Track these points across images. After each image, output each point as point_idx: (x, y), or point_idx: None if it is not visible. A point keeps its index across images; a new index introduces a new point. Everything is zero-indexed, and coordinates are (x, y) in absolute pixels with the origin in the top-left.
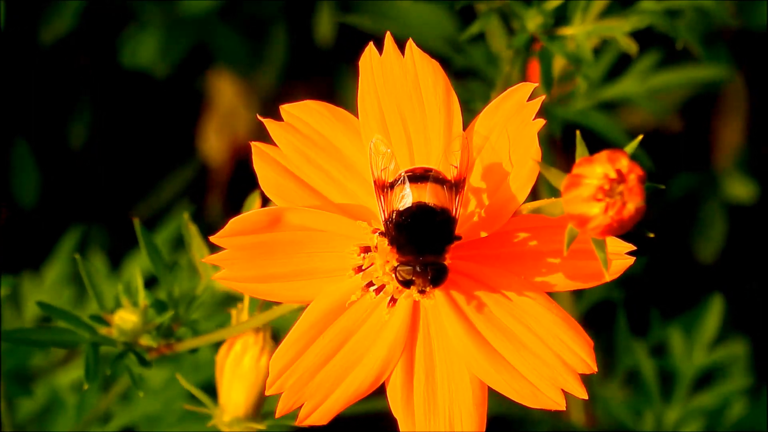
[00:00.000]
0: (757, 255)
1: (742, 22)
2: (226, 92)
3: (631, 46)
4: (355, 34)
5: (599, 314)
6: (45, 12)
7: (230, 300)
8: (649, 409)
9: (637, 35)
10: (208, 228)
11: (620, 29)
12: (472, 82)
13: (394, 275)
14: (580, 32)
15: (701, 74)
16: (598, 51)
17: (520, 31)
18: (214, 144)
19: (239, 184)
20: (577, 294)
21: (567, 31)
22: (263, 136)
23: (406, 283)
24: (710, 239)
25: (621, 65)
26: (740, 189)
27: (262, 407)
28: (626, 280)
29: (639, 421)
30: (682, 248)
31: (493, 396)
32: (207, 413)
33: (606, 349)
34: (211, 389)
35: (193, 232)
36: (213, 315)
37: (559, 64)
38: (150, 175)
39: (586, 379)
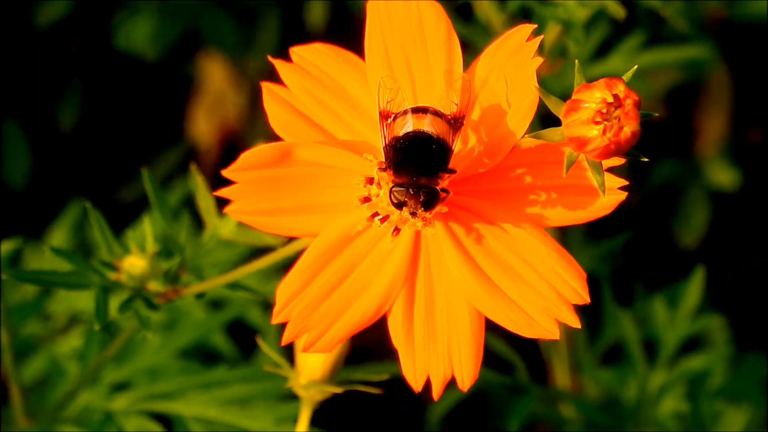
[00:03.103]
0: (739, 242)
1: (729, 13)
2: (216, 76)
3: (619, 12)
4: (347, 19)
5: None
6: None
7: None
8: (633, 377)
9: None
10: (194, 209)
11: None
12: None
13: (388, 197)
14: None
15: (687, 54)
16: (587, 28)
17: None
18: (203, 127)
19: (228, 166)
20: None
21: None
22: (253, 120)
23: (399, 205)
24: (692, 226)
25: (608, 46)
26: (723, 176)
27: (338, 372)
28: (608, 258)
29: (623, 388)
30: (665, 235)
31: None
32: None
33: (591, 323)
34: (203, 348)
35: (199, 182)
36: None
37: (549, 38)
38: (139, 158)
39: (573, 345)
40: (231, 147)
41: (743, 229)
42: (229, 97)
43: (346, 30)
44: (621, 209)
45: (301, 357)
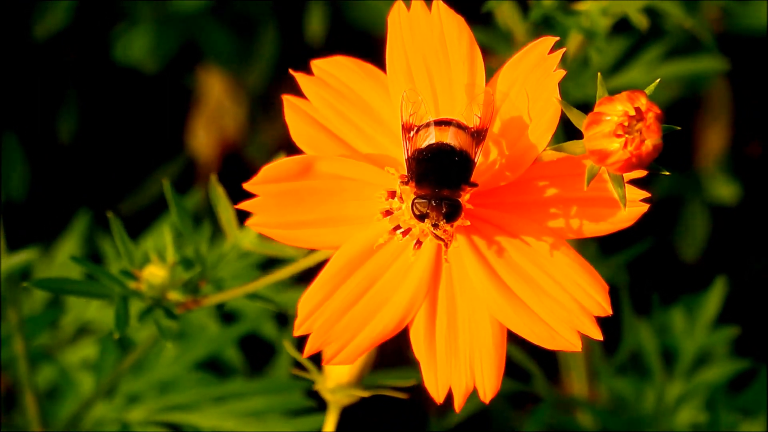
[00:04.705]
0: (739, 255)
1: (726, 26)
2: (215, 88)
3: (642, 21)
4: (346, 32)
5: None
6: (38, 8)
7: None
8: (650, 386)
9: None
10: (195, 220)
11: (633, 6)
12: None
13: (410, 209)
14: (594, 8)
15: (705, 65)
16: (608, 39)
17: (536, 6)
18: (202, 139)
19: (227, 178)
20: None
21: (582, 6)
22: (252, 133)
23: (421, 217)
24: (693, 239)
25: (628, 57)
26: (723, 190)
27: (365, 376)
28: (623, 269)
29: (641, 398)
30: (666, 247)
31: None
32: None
33: (607, 332)
34: (216, 362)
35: (219, 192)
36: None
37: (572, 47)
38: (138, 170)
39: (591, 354)
40: (230, 159)
41: (743, 241)
42: (228, 110)
43: (345, 42)
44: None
45: None
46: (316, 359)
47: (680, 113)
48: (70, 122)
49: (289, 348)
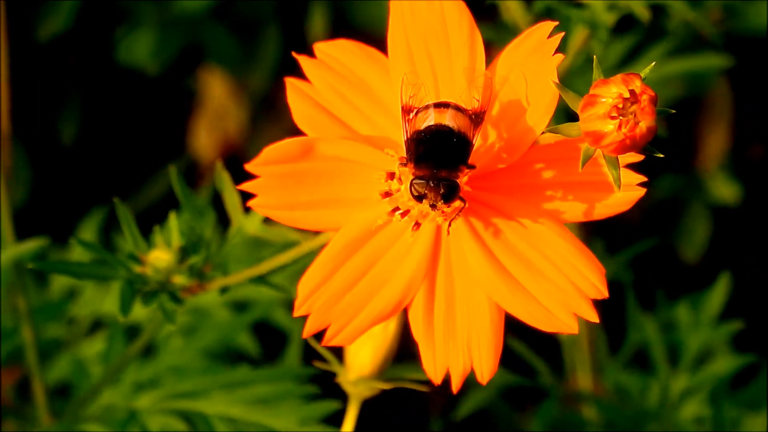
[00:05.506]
0: (740, 256)
1: (727, 26)
2: (217, 91)
3: (644, 14)
4: (348, 34)
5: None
6: (42, 9)
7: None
8: (655, 381)
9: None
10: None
11: (637, 2)
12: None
13: (409, 190)
14: (597, 1)
15: (708, 62)
16: (615, 36)
17: None
18: (204, 141)
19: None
20: None
21: None
22: (254, 134)
23: (419, 197)
24: (694, 240)
25: (634, 55)
26: (724, 191)
27: (386, 369)
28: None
29: (645, 392)
30: (667, 248)
31: (504, 366)
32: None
33: (614, 329)
34: (228, 350)
35: (226, 179)
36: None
37: (576, 43)
38: (140, 172)
39: (596, 349)
40: (232, 161)
41: (744, 242)
42: (229, 111)
43: None
44: (624, 223)
45: (350, 353)
46: (338, 351)
47: (682, 114)
48: (72, 124)
49: (311, 340)
